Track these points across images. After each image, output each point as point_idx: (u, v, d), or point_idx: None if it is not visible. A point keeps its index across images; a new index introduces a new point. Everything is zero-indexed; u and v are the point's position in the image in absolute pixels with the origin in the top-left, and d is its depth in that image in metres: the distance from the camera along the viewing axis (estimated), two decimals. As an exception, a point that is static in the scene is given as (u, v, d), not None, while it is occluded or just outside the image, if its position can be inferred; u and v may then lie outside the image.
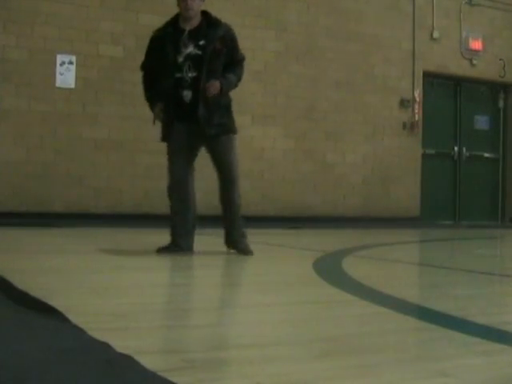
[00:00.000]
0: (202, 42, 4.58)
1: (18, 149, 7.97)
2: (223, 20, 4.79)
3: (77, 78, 8.28)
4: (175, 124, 4.66)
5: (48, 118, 8.13)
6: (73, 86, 8.27)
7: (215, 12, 4.84)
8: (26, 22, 8.03)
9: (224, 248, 4.80)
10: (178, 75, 4.62)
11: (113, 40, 8.51)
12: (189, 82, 4.59)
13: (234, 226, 4.80)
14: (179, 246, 4.68)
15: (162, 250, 4.63)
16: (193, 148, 4.78)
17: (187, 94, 4.59)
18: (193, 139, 4.71)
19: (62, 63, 8.21)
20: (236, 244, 4.79)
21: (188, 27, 4.63)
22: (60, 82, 8.21)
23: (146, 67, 4.87)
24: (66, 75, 8.22)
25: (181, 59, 4.58)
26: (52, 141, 8.15)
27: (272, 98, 9.51)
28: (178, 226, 4.73)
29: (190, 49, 4.59)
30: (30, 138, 8.03)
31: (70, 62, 8.25)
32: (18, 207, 7.83)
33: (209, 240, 5.60)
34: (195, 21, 4.66)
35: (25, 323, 2.05)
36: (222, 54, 4.64)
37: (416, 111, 10.62)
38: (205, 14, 4.74)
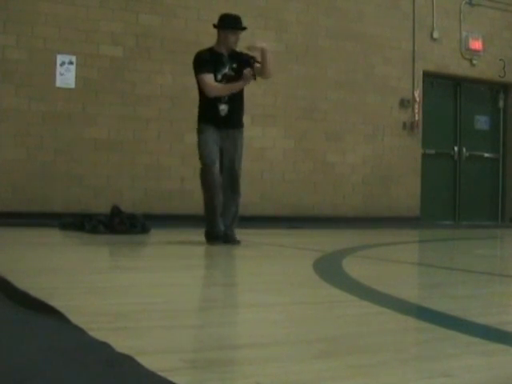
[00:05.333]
0: (234, 65, 5.49)
1: (18, 149, 7.97)
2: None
3: (77, 77, 8.28)
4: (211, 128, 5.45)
5: (48, 118, 8.13)
6: (73, 86, 8.27)
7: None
8: (26, 21, 8.03)
9: (224, 247, 4.80)
10: None
11: (113, 40, 8.51)
12: (225, 98, 5.40)
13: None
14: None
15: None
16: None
17: (224, 109, 5.40)
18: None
19: (62, 63, 8.21)
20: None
21: (225, 52, 5.52)
22: (60, 82, 8.21)
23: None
24: (66, 75, 8.22)
25: (219, 77, 5.44)
26: (52, 141, 8.15)
27: (272, 98, 9.50)
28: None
29: (226, 70, 5.47)
30: (30, 138, 8.03)
31: (70, 62, 8.25)
32: (18, 207, 7.83)
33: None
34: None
35: (25, 323, 2.05)
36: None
37: (416, 111, 10.62)
38: None
